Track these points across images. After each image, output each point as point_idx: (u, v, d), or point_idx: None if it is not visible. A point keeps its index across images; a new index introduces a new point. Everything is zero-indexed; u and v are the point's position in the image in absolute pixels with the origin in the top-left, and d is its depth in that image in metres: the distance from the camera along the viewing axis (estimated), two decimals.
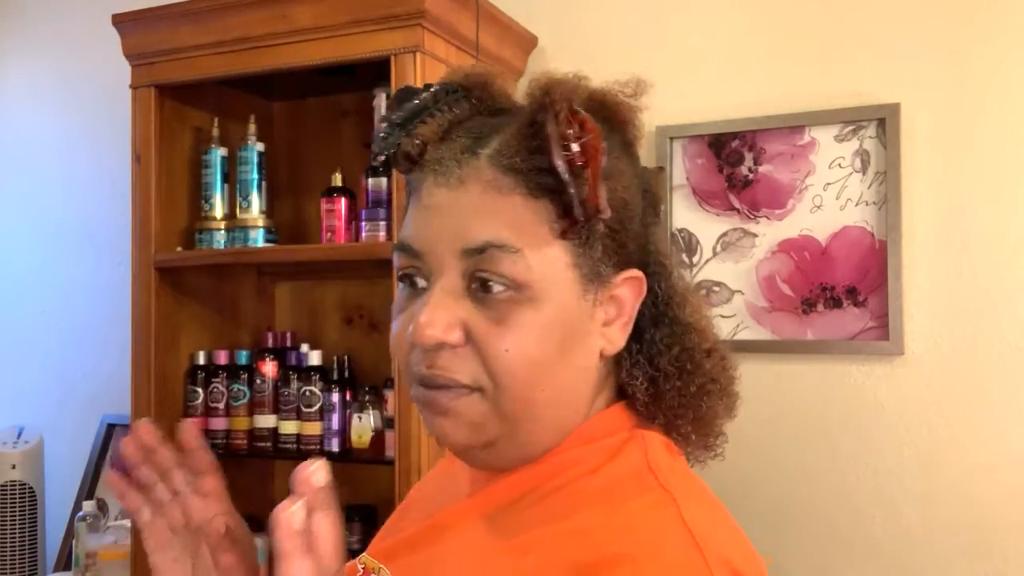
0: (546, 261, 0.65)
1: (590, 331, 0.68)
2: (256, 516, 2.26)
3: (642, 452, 0.68)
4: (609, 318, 0.69)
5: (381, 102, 1.83)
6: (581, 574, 0.58)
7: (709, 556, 0.60)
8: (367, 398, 1.81)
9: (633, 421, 0.71)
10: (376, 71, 1.72)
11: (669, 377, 0.70)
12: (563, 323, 0.66)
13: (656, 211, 0.74)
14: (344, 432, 1.83)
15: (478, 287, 0.65)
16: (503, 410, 0.66)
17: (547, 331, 0.65)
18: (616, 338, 0.69)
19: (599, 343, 0.69)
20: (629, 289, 0.69)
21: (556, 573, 0.60)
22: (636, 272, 0.69)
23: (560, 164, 0.63)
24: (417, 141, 0.68)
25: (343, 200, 1.86)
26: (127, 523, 1.97)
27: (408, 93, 0.70)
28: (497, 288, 0.65)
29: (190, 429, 0.77)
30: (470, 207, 0.65)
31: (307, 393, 1.85)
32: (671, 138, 1.90)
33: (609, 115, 0.70)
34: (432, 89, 0.70)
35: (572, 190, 0.63)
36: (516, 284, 0.64)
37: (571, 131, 0.63)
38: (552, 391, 0.67)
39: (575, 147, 0.63)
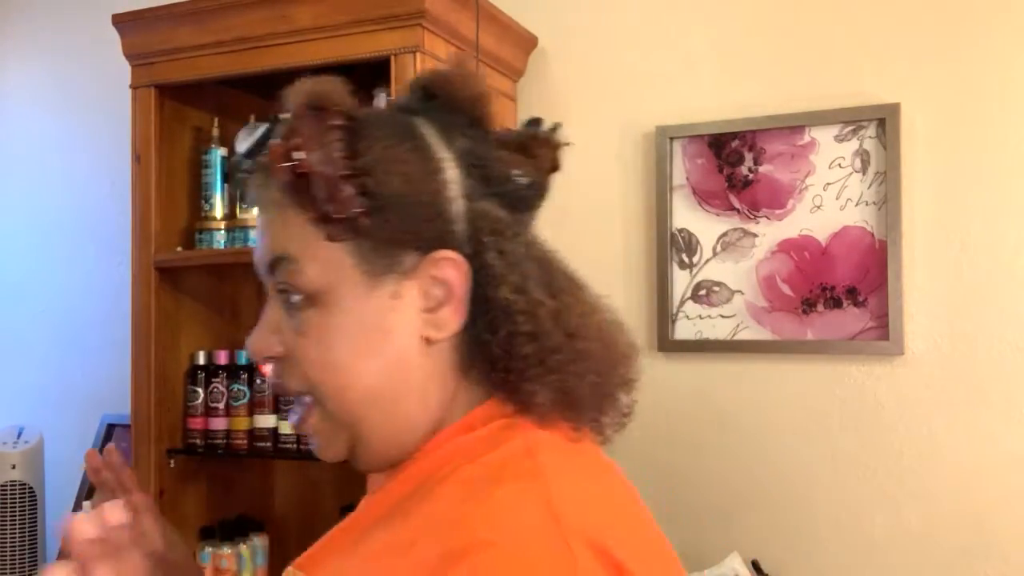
0: (325, 265, 0.67)
1: (395, 323, 0.68)
2: (256, 516, 2.26)
3: (523, 436, 0.68)
4: (435, 303, 0.69)
5: (381, 102, 1.83)
6: (445, 562, 0.58)
7: (568, 533, 0.59)
8: None
9: (515, 405, 0.70)
10: (376, 71, 1.72)
11: (496, 363, 0.69)
12: (356, 322, 0.68)
13: (496, 182, 0.71)
14: None
15: (286, 300, 0.70)
16: (333, 417, 0.70)
17: (339, 334, 0.68)
18: (445, 322, 0.69)
19: (420, 331, 0.69)
20: (452, 269, 0.68)
21: (431, 563, 0.60)
22: (447, 253, 0.68)
23: (281, 177, 0.66)
24: (248, 173, 0.72)
25: None
26: None
27: (256, 126, 0.73)
28: (295, 298, 0.69)
29: (110, 451, 0.85)
30: (265, 226, 0.71)
31: None
32: (671, 138, 1.90)
33: (435, 95, 0.72)
34: (277, 119, 0.71)
35: (299, 199, 0.66)
36: (305, 293, 0.68)
37: (296, 140, 0.65)
38: (365, 390, 0.68)
39: (298, 156, 0.65)
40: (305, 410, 0.71)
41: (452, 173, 0.69)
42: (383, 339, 0.68)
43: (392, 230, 0.67)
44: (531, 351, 0.67)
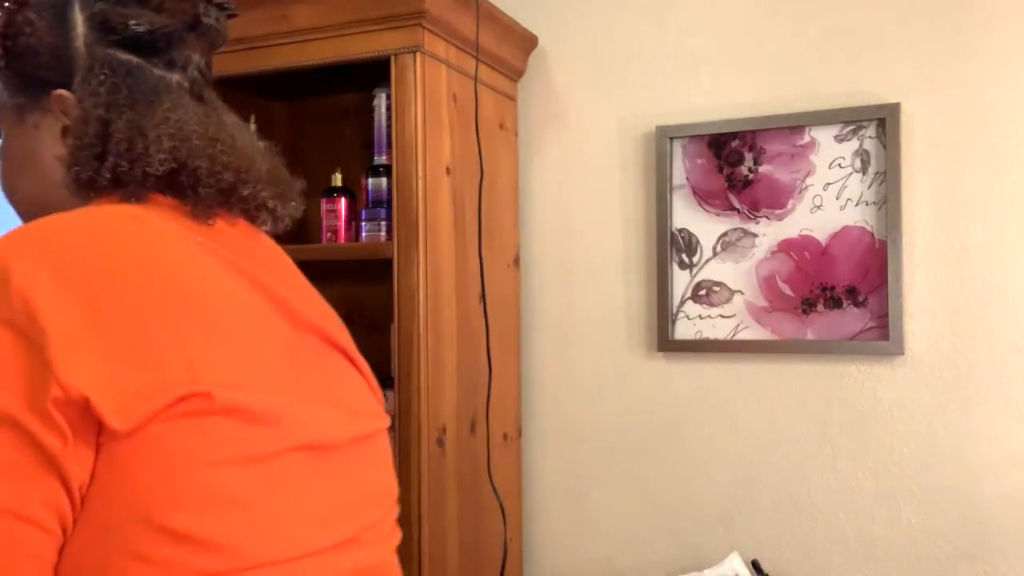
0: None
1: (39, 148, 0.85)
2: None
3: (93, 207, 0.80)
4: (63, 131, 0.84)
5: (381, 102, 1.83)
6: None
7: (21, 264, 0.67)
8: None
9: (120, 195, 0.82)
10: (376, 71, 1.72)
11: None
12: (15, 148, 0.87)
13: (115, 31, 0.86)
14: None
15: None
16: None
17: (6, 157, 0.88)
18: (66, 143, 0.84)
19: (58, 154, 0.84)
20: (66, 103, 0.84)
21: None
22: (62, 92, 0.84)
23: None
24: None
25: (343, 200, 1.86)
26: None
27: None
28: None
29: None
30: None
31: None
32: (671, 138, 1.90)
33: None
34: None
35: None
36: None
37: None
38: (25, 201, 0.87)
39: None
40: None
41: (80, 29, 0.86)
42: (33, 161, 0.86)
43: (27, 75, 0.85)
44: (82, 156, 0.81)
